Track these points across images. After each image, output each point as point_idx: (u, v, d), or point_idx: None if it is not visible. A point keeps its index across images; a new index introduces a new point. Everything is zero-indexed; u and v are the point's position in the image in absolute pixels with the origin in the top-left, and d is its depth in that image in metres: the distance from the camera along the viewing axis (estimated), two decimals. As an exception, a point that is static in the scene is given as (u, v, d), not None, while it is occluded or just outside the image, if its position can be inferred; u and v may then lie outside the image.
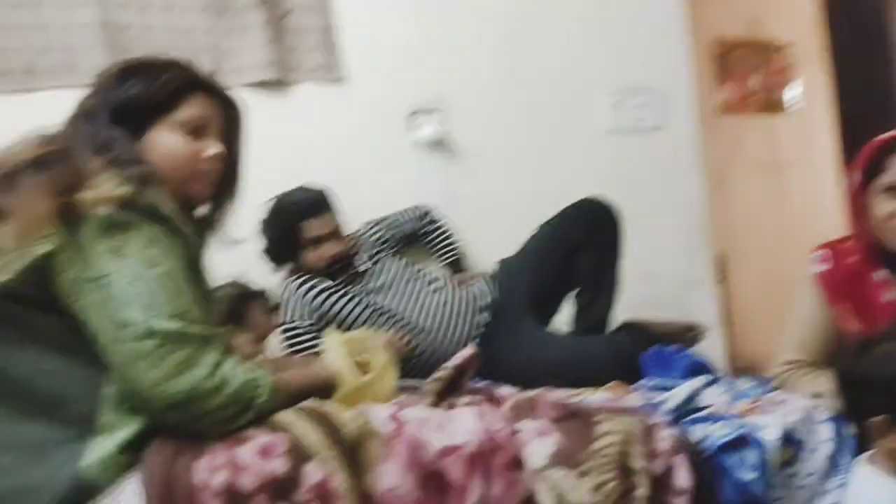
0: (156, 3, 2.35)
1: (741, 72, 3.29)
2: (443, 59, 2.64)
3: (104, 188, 1.07)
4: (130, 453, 1.02)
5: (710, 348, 2.49)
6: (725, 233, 3.04)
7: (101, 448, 1.00)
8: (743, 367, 2.84)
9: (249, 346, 1.98)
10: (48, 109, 1.26)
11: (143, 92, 1.23)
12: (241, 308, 1.98)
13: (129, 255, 1.05)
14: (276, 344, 2.16)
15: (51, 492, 0.96)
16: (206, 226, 1.38)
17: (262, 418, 1.10)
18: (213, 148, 1.27)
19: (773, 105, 3.36)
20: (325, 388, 1.27)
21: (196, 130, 1.27)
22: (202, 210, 1.38)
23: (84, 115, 1.23)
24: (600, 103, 2.79)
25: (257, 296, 2.07)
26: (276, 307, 2.12)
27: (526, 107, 2.71)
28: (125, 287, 1.03)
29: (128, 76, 1.25)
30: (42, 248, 1.04)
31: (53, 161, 1.11)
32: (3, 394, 1.02)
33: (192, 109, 1.26)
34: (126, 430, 1.03)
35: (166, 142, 1.24)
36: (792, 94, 3.37)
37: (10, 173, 1.09)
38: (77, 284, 1.04)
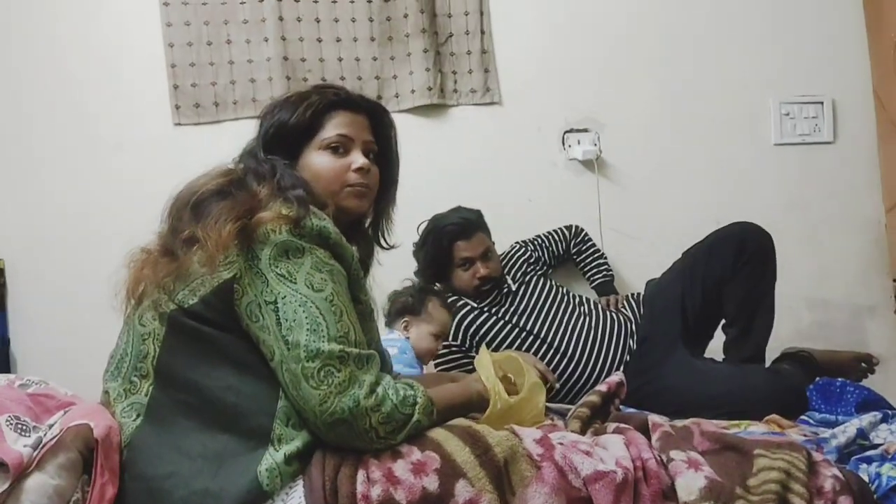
0: (328, 37, 2.54)
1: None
2: (596, 77, 2.64)
3: (275, 209, 1.18)
4: (297, 463, 1.10)
5: (886, 382, 2.31)
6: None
7: (272, 458, 1.08)
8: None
9: (430, 341, 2.05)
10: (233, 139, 1.41)
11: (288, 120, 1.35)
12: (420, 301, 2.05)
13: (298, 280, 1.15)
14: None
15: (230, 498, 1.04)
16: (370, 237, 1.48)
17: (417, 433, 1.16)
18: (358, 160, 1.36)
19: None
20: (476, 406, 1.31)
21: (341, 147, 1.36)
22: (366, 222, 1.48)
23: (248, 151, 1.36)
24: (767, 115, 2.67)
25: (436, 291, 2.14)
26: (453, 303, 2.19)
27: (682, 123, 2.65)
28: (294, 311, 1.13)
29: (276, 110, 1.37)
30: (226, 274, 1.15)
31: (232, 190, 1.23)
32: (195, 406, 1.13)
33: (334, 128, 1.36)
34: (294, 442, 1.11)
35: (315, 162, 1.35)
36: None
37: (197, 202, 1.22)
38: (253, 307, 1.15)
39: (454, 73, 2.59)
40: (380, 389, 1.12)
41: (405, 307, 2.05)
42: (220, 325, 1.16)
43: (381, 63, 2.56)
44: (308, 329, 1.12)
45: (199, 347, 1.15)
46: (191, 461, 1.07)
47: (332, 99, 1.38)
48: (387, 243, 1.51)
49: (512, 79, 2.61)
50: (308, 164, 1.34)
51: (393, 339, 1.96)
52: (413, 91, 2.55)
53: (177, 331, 1.16)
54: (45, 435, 1.08)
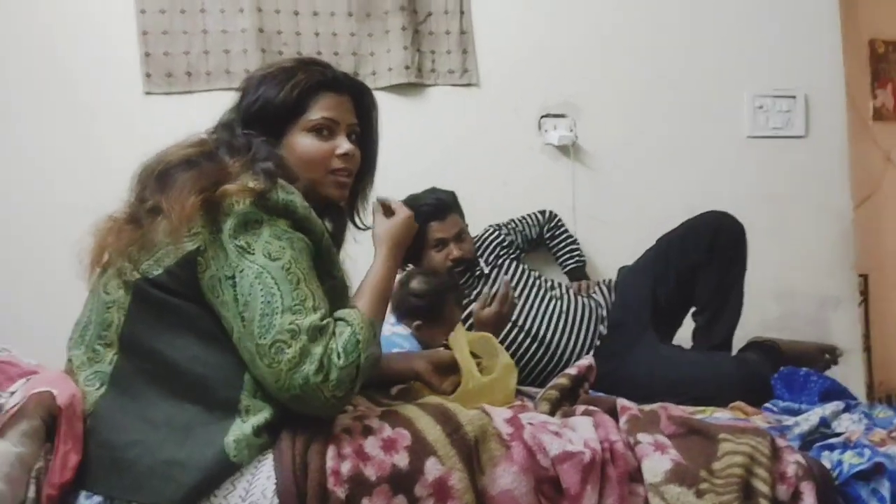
0: (305, 10, 2.49)
1: (898, 76, 3.08)
2: (575, 63, 2.63)
3: (242, 182, 1.16)
4: (266, 435, 1.09)
5: (848, 373, 2.36)
6: (870, 250, 2.86)
7: (239, 430, 1.07)
8: (882, 395, 2.68)
9: (441, 340, 1.95)
10: (205, 110, 1.38)
11: (273, 99, 1.31)
12: (439, 306, 1.97)
13: (256, 251, 1.12)
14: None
15: (197, 468, 1.03)
16: (343, 213, 1.46)
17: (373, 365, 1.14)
18: (343, 146, 1.34)
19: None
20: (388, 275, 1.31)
21: (326, 130, 1.33)
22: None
23: (224, 123, 1.33)
24: (741, 107, 2.69)
25: (454, 289, 2.07)
26: (466, 301, 2.15)
27: (659, 112, 2.65)
28: (250, 284, 1.10)
29: (259, 86, 1.33)
30: (190, 246, 1.13)
31: (201, 161, 1.20)
32: (160, 375, 1.11)
33: (319, 111, 1.33)
34: (262, 413, 1.10)
35: (299, 144, 1.32)
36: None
37: (163, 171, 1.20)
38: (214, 282, 1.13)
39: (432, 52, 2.57)
40: (327, 362, 1.08)
41: (420, 311, 1.95)
42: (185, 295, 1.14)
43: (358, 39, 2.52)
44: (262, 302, 1.09)
45: (165, 317, 1.13)
46: (156, 430, 1.06)
47: (318, 79, 1.35)
48: (362, 223, 1.49)
49: (490, 61, 2.59)
50: (291, 146, 1.31)
51: (401, 335, 1.90)
52: (390, 69, 2.52)
53: (142, 300, 1.14)
54: (6, 402, 1.06)
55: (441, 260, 2.21)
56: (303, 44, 2.48)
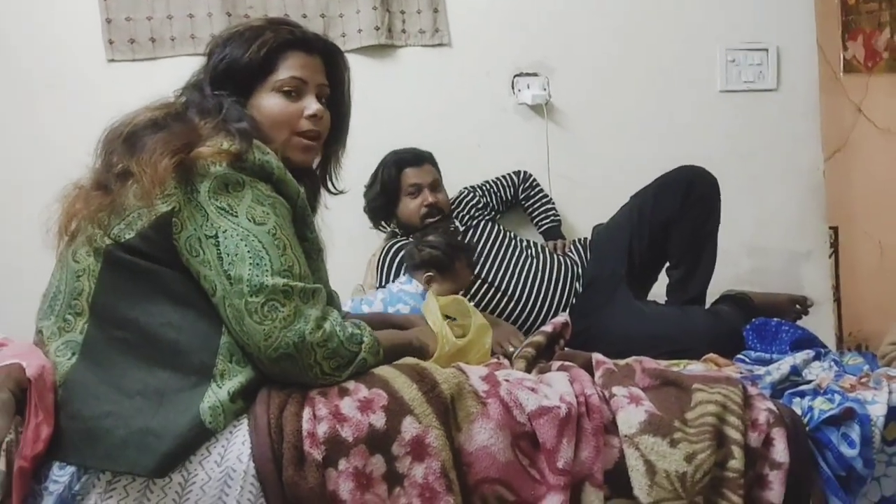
0: (270, -30, 2.43)
1: (869, 28, 3.07)
2: (547, 21, 2.60)
3: (216, 143, 1.14)
4: (241, 401, 1.09)
5: (819, 323, 2.39)
6: (840, 202, 2.89)
7: (214, 395, 1.07)
8: (852, 344, 2.73)
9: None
10: (171, 77, 1.35)
11: (240, 58, 1.29)
12: (451, 258, 1.98)
13: (240, 214, 1.12)
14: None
15: (172, 435, 1.02)
16: (318, 179, 1.45)
17: (362, 371, 1.16)
18: (312, 106, 1.32)
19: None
20: (415, 356, 1.31)
21: (294, 91, 1.31)
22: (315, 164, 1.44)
23: (193, 84, 1.31)
24: (713, 62, 2.68)
25: (466, 250, 2.07)
26: (476, 262, 2.15)
27: (631, 68, 2.64)
28: (236, 244, 1.10)
29: (227, 44, 1.31)
30: (164, 207, 1.12)
31: (169, 122, 1.19)
32: (132, 342, 1.10)
33: (288, 70, 1.31)
34: (237, 378, 1.10)
35: (266, 104, 1.30)
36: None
37: (131, 134, 1.18)
38: (193, 241, 1.12)
39: (402, 12, 2.52)
40: (327, 325, 1.12)
41: (434, 261, 1.96)
42: (158, 259, 1.12)
43: (326, 0, 2.47)
44: (251, 263, 1.09)
45: (137, 283, 1.12)
46: (130, 399, 1.05)
47: (287, 38, 1.32)
48: (335, 188, 1.48)
49: (462, 20, 2.55)
50: (258, 106, 1.29)
51: (408, 293, 1.91)
52: (360, 31, 2.47)
53: (113, 266, 1.12)
54: (-26, 376, 1.04)
55: (416, 207, 2.22)
56: (269, 6, 2.43)
